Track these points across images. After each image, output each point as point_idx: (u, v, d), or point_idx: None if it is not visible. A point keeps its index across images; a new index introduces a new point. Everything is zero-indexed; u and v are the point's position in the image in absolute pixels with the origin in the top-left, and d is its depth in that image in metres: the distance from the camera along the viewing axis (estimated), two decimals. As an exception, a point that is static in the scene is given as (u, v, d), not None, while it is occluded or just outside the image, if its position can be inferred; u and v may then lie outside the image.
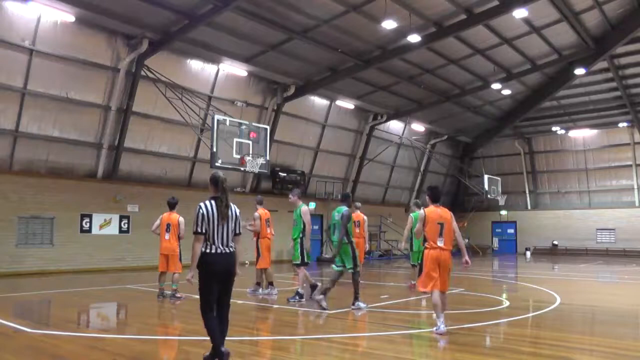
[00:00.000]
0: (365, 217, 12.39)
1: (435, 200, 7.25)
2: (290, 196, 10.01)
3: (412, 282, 11.86)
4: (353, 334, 7.24)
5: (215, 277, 5.18)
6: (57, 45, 15.65)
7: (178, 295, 10.05)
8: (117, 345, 6.32)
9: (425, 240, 7.07)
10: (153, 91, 17.38)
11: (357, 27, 17.86)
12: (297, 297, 9.78)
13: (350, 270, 9.09)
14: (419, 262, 7.43)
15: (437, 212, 7.07)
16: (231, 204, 5.36)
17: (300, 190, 10.59)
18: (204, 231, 5.18)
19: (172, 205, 10.29)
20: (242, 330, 7.45)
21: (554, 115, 30.10)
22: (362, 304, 9.13)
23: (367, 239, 12.61)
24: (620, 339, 6.83)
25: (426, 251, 7.02)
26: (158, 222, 10.33)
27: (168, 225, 10.13)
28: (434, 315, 7.00)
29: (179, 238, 10.13)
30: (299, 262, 9.82)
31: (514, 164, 33.95)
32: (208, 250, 5.18)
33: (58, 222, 16.66)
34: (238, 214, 5.41)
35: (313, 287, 9.89)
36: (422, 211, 7.22)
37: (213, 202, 5.28)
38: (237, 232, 5.39)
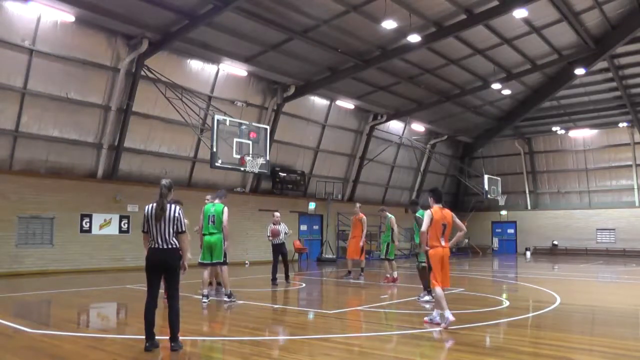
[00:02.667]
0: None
1: (438, 201, 7.62)
2: None
3: (388, 276, 13.35)
4: (353, 334, 7.24)
5: (153, 269, 5.93)
6: (57, 45, 15.65)
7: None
8: (117, 345, 6.32)
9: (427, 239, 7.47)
10: (153, 91, 17.38)
11: (357, 27, 17.86)
12: (230, 299, 9.62)
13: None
14: (427, 263, 7.77)
15: (441, 213, 7.48)
16: (171, 205, 5.96)
17: (224, 192, 10.22)
18: (146, 230, 6.00)
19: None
20: (242, 330, 7.45)
21: (554, 115, 30.10)
22: (427, 297, 9.76)
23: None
24: (620, 339, 6.82)
25: (432, 251, 7.42)
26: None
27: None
28: (438, 309, 7.40)
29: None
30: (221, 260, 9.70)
31: (514, 164, 33.94)
32: (150, 246, 5.94)
33: (58, 222, 16.66)
34: (177, 214, 5.96)
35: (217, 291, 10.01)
36: (428, 212, 7.52)
37: (153, 205, 5.99)
38: (179, 230, 5.97)
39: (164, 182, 6.07)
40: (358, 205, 15.00)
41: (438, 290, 7.35)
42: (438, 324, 7.25)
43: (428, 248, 7.48)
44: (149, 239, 5.98)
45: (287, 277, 13.42)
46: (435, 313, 7.47)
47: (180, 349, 5.78)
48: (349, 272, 14.61)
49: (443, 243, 7.46)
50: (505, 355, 5.85)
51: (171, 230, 5.91)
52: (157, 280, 5.95)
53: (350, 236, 15.01)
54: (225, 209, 9.66)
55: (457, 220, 7.69)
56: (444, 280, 7.46)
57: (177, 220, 5.97)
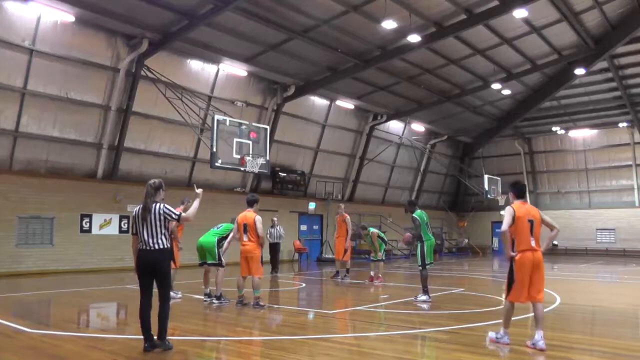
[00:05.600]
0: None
1: (520, 196, 6.46)
2: None
3: (373, 275, 13.66)
4: (353, 334, 7.24)
5: (144, 271, 5.85)
6: (57, 45, 15.65)
7: (261, 303, 9.08)
8: (117, 345, 6.31)
9: (512, 242, 6.19)
10: (153, 91, 17.38)
11: (357, 27, 17.86)
12: (219, 301, 9.53)
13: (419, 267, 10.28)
14: (508, 271, 6.28)
15: (525, 208, 6.27)
16: (156, 204, 5.89)
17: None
18: (134, 232, 5.94)
19: (250, 203, 9.29)
20: (242, 330, 7.45)
21: (554, 115, 30.09)
22: (424, 297, 10.04)
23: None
24: (620, 339, 6.82)
25: (519, 256, 6.07)
26: (235, 225, 9.42)
27: (245, 226, 9.12)
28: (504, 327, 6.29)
29: (258, 237, 9.07)
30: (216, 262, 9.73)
31: (514, 164, 33.92)
32: (139, 247, 5.88)
33: (58, 222, 16.65)
34: (163, 210, 5.88)
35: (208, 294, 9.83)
36: (509, 208, 6.28)
37: (140, 206, 5.94)
38: (174, 218, 5.95)
39: (151, 181, 6.00)
40: (342, 206, 15.34)
41: (508, 305, 6.23)
42: (507, 344, 6.18)
43: (514, 254, 6.11)
44: (137, 242, 5.90)
45: (276, 269, 16.68)
46: (503, 333, 6.27)
47: (168, 349, 5.77)
48: (347, 270, 14.66)
49: (533, 244, 6.10)
50: (505, 355, 5.84)
51: (159, 230, 5.83)
52: (148, 281, 5.87)
53: (335, 235, 15.15)
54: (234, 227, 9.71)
55: (547, 218, 6.42)
56: (530, 293, 6.10)
57: (165, 215, 5.87)
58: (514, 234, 6.13)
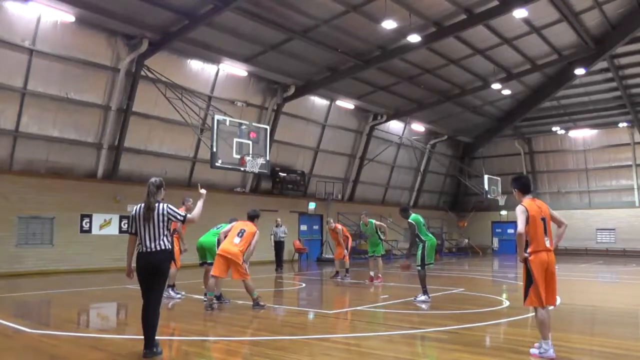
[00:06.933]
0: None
1: (524, 191, 5.93)
2: None
3: (379, 275, 13.75)
4: (353, 334, 7.23)
5: (140, 273, 5.63)
6: (57, 45, 15.65)
7: (261, 303, 8.99)
8: (117, 345, 6.31)
9: (527, 243, 5.69)
10: (153, 91, 17.38)
11: (357, 27, 17.86)
12: (219, 301, 9.37)
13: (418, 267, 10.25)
14: (525, 274, 5.79)
15: (536, 205, 5.76)
16: (159, 204, 5.67)
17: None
18: (133, 232, 5.70)
19: (252, 218, 9.16)
20: (242, 330, 7.45)
21: (554, 115, 30.10)
22: (423, 297, 10.01)
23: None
24: (620, 339, 6.83)
25: (532, 257, 5.62)
26: (228, 227, 9.21)
27: (242, 231, 8.84)
28: (543, 339, 5.66)
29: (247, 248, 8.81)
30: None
31: (514, 164, 33.89)
32: (138, 250, 5.66)
33: (58, 222, 16.65)
34: (167, 211, 5.68)
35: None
36: (522, 207, 5.70)
37: (141, 205, 5.70)
38: (179, 219, 5.77)
39: (152, 180, 5.76)
40: (331, 220, 15.62)
41: (540, 313, 5.63)
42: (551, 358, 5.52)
43: (527, 254, 5.64)
44: (134, 242, 5.68)
45: (280, 267, 18.17)
46: (547, 346, 5.61)
47: (158, 354, 5.52)
48: (347, 270, 14.68)
49: (548, 244, 5.69)
50: (505, 355, 5.85)
51: (161, 231, 5.61)
52: (150, 283, 5.64)
53: (335, 244, 15.23)
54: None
55: (555, 213, 5.98)
56: (549, 296, 5.69)
57: (170, 216, 5.67)
58: (529, 233, 5.65)
